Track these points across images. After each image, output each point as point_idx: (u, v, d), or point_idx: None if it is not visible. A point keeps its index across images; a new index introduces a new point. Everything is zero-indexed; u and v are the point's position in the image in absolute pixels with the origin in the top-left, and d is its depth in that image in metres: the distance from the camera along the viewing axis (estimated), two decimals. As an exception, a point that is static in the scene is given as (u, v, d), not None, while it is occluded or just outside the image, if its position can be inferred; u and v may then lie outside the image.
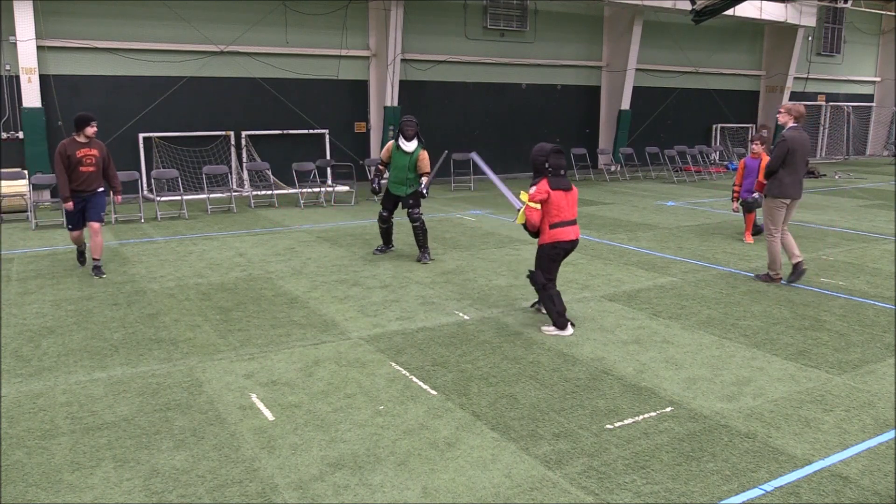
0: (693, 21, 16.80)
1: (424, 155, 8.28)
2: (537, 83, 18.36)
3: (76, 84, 13.10)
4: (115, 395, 4.56)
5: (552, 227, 5.78)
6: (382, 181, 8.70)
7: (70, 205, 7.46)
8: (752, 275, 7.84)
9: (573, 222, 5.88)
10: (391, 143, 8.44)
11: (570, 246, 5.90)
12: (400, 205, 8.55)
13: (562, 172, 5.84)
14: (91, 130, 7.41)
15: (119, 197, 7.93)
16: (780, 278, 7.56)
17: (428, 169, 8.32)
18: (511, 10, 17.45)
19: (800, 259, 7.49)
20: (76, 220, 7.74)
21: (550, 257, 5.87)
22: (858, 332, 5.85)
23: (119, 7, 13.19)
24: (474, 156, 7.47)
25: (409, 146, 8.23)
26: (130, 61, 13.47)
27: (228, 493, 3.44)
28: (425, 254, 8.44)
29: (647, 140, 19.61)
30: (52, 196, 12.13)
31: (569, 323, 5.85)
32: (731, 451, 3.86)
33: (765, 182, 7.55)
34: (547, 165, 5.78)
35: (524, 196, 5.80)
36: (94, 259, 7.69)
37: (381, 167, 8.60)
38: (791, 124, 7.34)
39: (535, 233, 5.90)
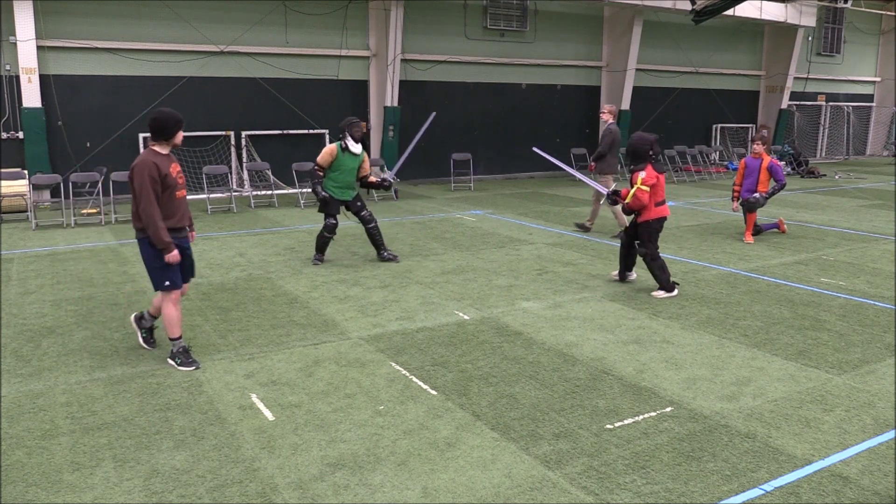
0: (693, 21, 16.80)
1: (366, 156, 8.17)
2: (537, 83, 18.36)
3: (76, 84, 13.10)
4: (115, 395, 4.56)
5: (657, 204, 6.88)
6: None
7: (176, 255, 4.93)
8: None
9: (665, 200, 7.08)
10: (333, 146, 7.89)
11: (666, 219, 7.07)
12: (344, 209, 8.16)
13: (659, 159, 6.95)
14: (181, 137, 5.02)
15: (194, 233, 5.38)
16: (591, 229, 10.29)
17: (369, 170, 8.23)
18: (511, 10, 17.45)
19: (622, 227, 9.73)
20: (178, 274, 5.11)
21: (657, 229, 6.95)
22: (858, 332, 5.85)
23: (119, 7, 13.19)
24: (536, 149, 8.92)
25: (358, 148, 7.92)
26: (130, 61, 13.47)
27: (228, 493, 3.44)
28: (389, 252, 8.33)
29: (647, 140, 19.60)
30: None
31: (675, 285, 6.96)
32: (731, 451, 3.86)
33: (594, 164, 10.01)
34: (651, 153, 6.80)
35: (638, 180, 6.78)
36: (173, 339, 5.11)
37: (320, 172, 7.93)
38: (611, 121, 9.97)
39: (632, 211, 6.92)
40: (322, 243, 8.23)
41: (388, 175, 8.42)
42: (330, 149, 7.90)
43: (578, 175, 8.31)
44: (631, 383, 4.78)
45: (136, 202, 4.86)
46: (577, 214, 11.93)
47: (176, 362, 5.06)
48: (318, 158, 7.93)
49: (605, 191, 7.24)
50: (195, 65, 14.04)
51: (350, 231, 10.32)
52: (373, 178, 8.26)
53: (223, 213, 12.13)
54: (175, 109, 5.09)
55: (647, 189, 6.74)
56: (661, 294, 6.88)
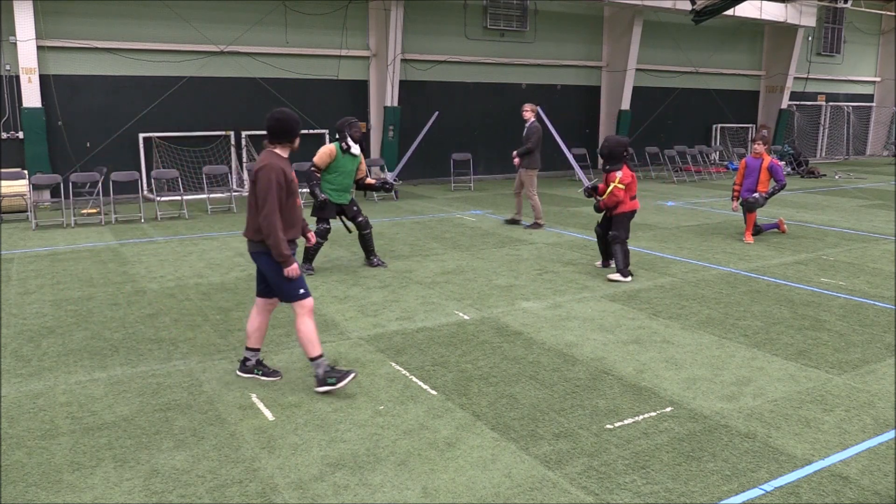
0: (693, 21, 16.80)
1: (363, 158, 7.88)
2: (537, 83, 18.36)
3: (76, 84, 13.10)
4: (115, 395, 4.56)
5: (632, 198, 7.60)
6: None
7: (296, 268, 4.52)
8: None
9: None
10: (331, 147, 7.48)
11: (637, 211, 7.77)
12: (337, 214, 7.83)
13: (631, 159, 7.71)
14: (298, 141, 4.75)
15: (311, 233, 5.14)
16: (544, 225, 10.73)
17: (366, 172, 7.99)
18: (511, 10, 17.45)
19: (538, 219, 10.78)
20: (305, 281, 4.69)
21: (630, 219, 7.62)
22: (858, 332, 5.85)
23: (119, 7, 13.19)
24: (539, 110, 10.02)
25: (357, 149, 7.58)
26: (130, 61, 13.47)
27: (228, 493, 3.44)
28: (379, 259, 8.16)
29: (647, 140, 19.60)
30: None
31: (630, 274, 7.53)
32: (731, 451, 3.86)
33: (519, 157, 10.48)
34: (626, 155, 7.48)
35: (616, 180, 7.42)
36: (313, 359, 4.58)
37: (317, 174, 7.54)
38: (532, 119, 10.41)
39: (605, 207, 7.57)
40: (313, 251, 7.72)
41: (389, 177, 8.34)
42: (329, 149, 7.48)
43: (571, 159, 8.82)
44: (631, 383, 4.78)
45: (254, 209, 4.50)
46: (576, 214, 11.94)
47: (330, 383, 4.52)
48: (315, 159, 7.49)
49: (587, 182, 7.91)
50: (195, 65, 14.03)
51: (350, 231, 10.33)
52: (370, 180, 7.99)
53: (223, 212, 12.13)
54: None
55: (623, 188, 7.43)
56: (617, 277, 7.49)
